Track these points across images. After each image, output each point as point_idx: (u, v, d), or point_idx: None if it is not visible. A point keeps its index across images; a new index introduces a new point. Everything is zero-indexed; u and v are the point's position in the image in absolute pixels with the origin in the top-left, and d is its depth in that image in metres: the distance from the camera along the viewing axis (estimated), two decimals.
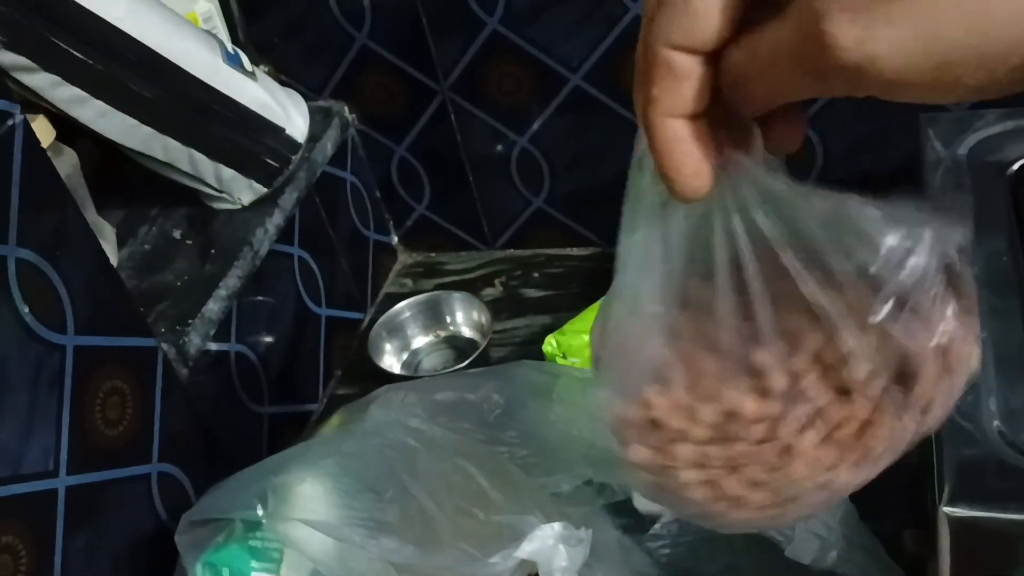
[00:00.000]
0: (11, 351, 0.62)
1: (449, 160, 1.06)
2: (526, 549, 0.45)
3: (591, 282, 1.05)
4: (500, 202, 1.08)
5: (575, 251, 1.09)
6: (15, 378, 0.62)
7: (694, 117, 0.31)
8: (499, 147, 1.03)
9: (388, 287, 1.13)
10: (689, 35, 0.29)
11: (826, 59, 0.26)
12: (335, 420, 0.69)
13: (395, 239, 1.15)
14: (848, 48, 0.26)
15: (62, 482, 0.65)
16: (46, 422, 0.64)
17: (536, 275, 1.08)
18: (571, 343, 0.86)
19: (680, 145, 0.31)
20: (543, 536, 0.46)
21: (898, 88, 0.27)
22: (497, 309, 1.02)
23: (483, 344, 0.96)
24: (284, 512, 0.55)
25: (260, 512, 0.56)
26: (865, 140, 0.93)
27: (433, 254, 1.15)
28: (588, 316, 0.89)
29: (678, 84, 0.30)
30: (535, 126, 1.00)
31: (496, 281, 1.09)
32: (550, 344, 0.87)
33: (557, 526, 0.46)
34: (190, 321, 0.78)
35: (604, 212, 1.05)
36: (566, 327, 0.88)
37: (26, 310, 0.62)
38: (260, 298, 0.89)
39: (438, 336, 1.04)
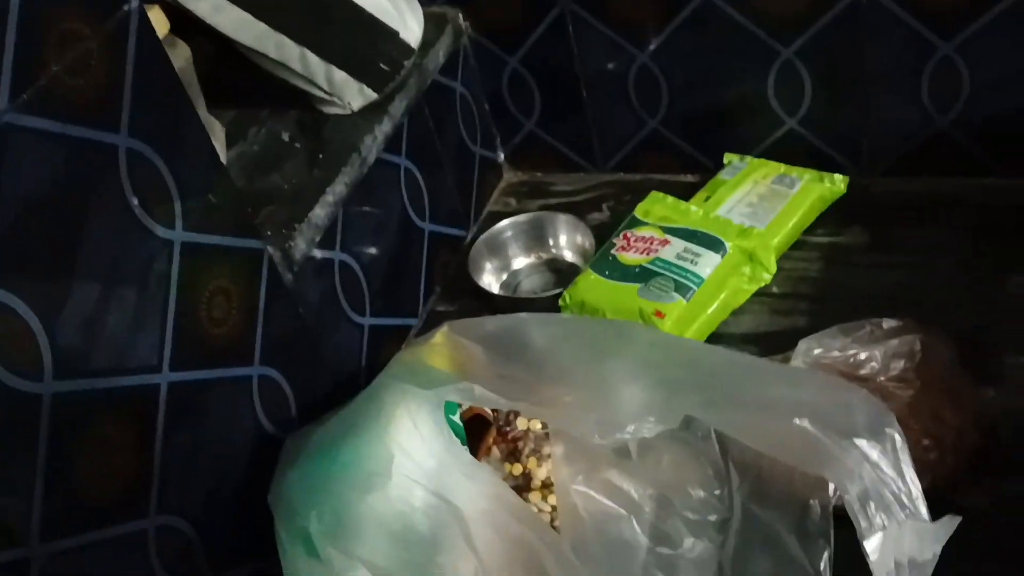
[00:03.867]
0: (120, 243, 0.61)
1: (563, 75, 1.01)
2: None
3: None
4: (613, 122, 1.04)
5: (688, 177, 1.04)
6: (124, 270, 0.61)
7: None
8: (615, 63, 0.98)
9: (492, 205, 1.10)
10: None
11: None
12: (439, 339, 0.67)
13: (501, 156, 1.12)
14: None
15: (165, 378, 0.65)
16: (153, 317, 0.64)
17: None
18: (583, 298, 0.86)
19: None
20: None
21: None
22: (602, 234, 0.98)
23: (585, 269, 0.93)
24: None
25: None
26: (1017, 74, 0.85)
27: (539, 173, 1.12)
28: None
29: None
30: (658, 41, 0.95)
31: (603, 205, 1.05)
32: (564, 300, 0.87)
33: None
34: (296, 225, 0.77)
35: (722, 136, 1.01)
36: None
37: (135, 202, 0.61)
38: (366, 208, 0.87)
39: (540, 258, 1.01)
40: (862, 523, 0.51)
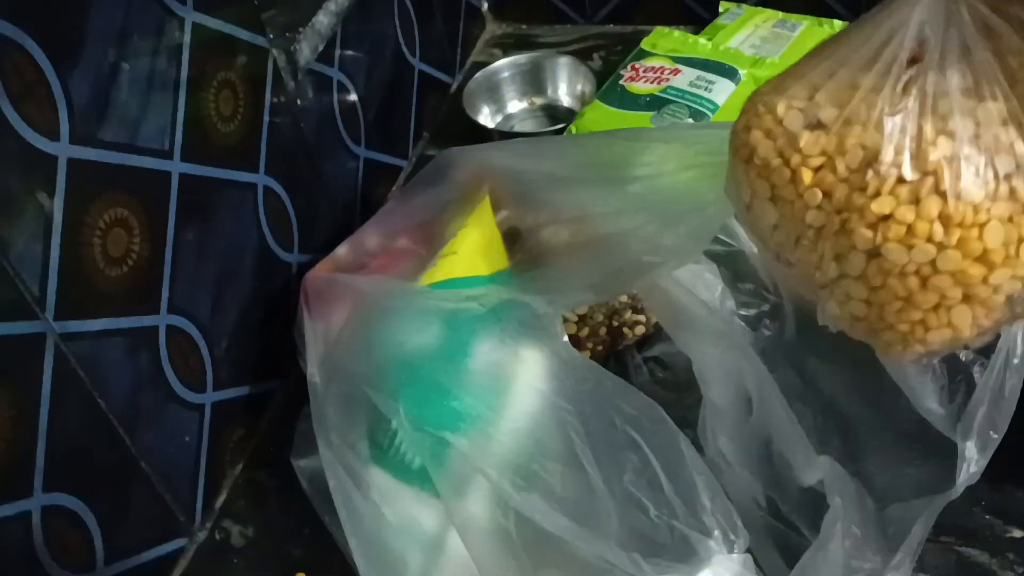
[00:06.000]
0: (132, 7, 0.56)
1: None
2: None
3: None
4: None
5: (683, 28, 1.01)
6: (136, 38, 0.56)
7: None
8: None
9: (476, 56, 1.06)
10: None
11: None
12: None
13: (485, 4, 1.07)
14: None
15: (176, 167, 0.60)
16: (164, 97, 0.59)
17: None
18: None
19: None
20: (723, 567, 0.42)
21: None
22: (598, 83, 0.94)
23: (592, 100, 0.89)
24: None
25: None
26: None
27: (524, 25, 1.08)
28: None
29: None
30: None
31: (595, 55, 1.02)
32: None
33: (738, 558, 0.42)
34: (301, 29, 0.72)
35: None
36: None
37: None
38: (363, 29, 0.82)
39: (534, 103, 0.97)
40: None
